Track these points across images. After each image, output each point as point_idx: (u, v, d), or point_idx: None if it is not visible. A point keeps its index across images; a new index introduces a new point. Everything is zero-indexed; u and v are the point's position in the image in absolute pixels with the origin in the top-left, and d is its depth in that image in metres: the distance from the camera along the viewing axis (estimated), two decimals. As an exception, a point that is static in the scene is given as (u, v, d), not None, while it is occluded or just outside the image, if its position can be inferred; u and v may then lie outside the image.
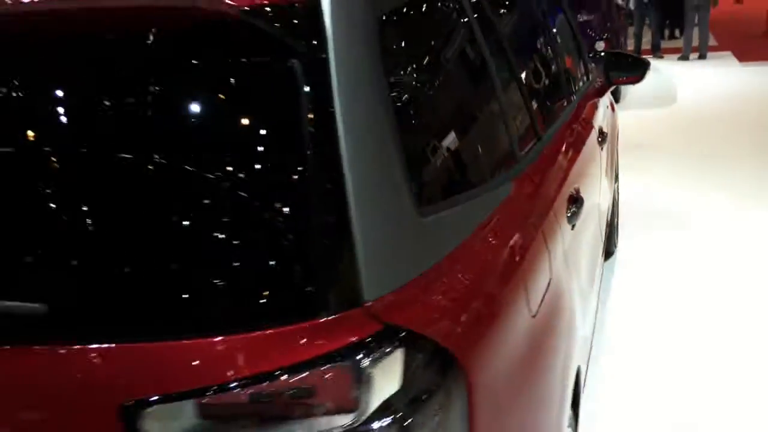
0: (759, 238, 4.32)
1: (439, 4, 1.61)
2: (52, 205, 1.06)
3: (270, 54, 1.07)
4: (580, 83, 3.06)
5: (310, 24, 1.09)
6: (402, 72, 1.32)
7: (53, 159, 1.07)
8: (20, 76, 1.11)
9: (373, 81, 1.16)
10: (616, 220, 4.26)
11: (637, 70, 3.28)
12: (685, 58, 11.12)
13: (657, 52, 11.41)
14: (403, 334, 1.04)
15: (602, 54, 3.60)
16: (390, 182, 1.13)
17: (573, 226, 1.90)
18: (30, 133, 1.09)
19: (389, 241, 1.10)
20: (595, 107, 3.05)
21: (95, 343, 0.98)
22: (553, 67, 2.55)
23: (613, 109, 3.98)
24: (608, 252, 4.10)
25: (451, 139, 1.46)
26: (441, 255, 1.19)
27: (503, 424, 1.22)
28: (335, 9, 1.11)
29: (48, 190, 1.06)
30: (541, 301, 1.47)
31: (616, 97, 8.44)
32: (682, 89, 9.12)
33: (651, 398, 2.81)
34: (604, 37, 7.88)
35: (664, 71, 10.41)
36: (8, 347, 1.00)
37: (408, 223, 1.15)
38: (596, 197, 2.59)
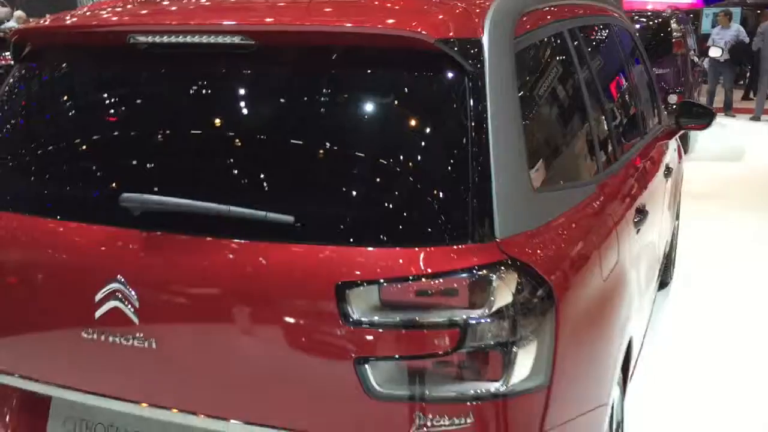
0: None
1: (553, 49, 2.14)
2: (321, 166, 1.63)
3: (450, 68, 1.60)
4: (655, 124, 3.54)
5: (475, 53, 1.62)
6: (527, 93, 1.84)
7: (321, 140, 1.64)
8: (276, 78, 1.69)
9: (510, 94, 1.68)
10: (674, 254, 4.66)
11: (704, 119, 3.73)
12: (756, 118, 11.38)
13: (728, 110, 11.69)
14: (518, 263, 1.54)
15: (675, 104, 4.05)
16: (517, 166, 1.64)
17: (638, 231, 2.38)
18: (292, 121, 1.66)
19: (514, 205, 1.60)
20: (664, 146, 3.51)
21: (327, 244, 1.51)
22: (632, 108, 3.04)
23: (680, 156, 4.40)
24: (664, 282, 4.51)
25: (556, 144, 1.98)
26: (546, 220, 1.69)
27: (576, 346, 1.70)
28: (491, 45, 1.65)
29: (314, 161, 1.63)
30: (610, 272, 1.96)
31: (685, 148, 8.80)
32: (749, 147, 9.40)
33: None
34: (678, 90, 8.27)
35: (733, 128, 10.70)
36: (267, 243, 1.54)
37: (527, 195, 1.66)
38: (658, 218, 3.05)
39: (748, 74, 13.14)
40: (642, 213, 2.45)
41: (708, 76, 11.92)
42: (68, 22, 1.92)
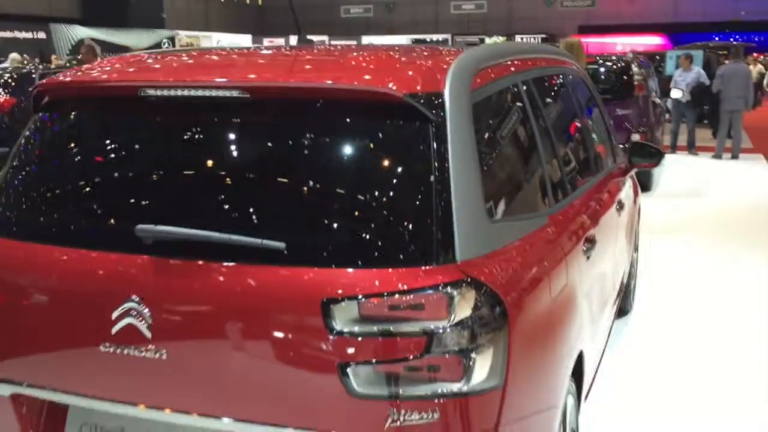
0: (752, 307, 5.01)
1: (506, 98, 2.45)
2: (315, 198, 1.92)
3: (416, 118, 1.90)
4: (609, 162, 3.87)
5: (438, 104, 1.92)
6: (483, 137, 2.14)
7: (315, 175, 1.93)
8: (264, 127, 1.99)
9: (468, 139, 1.97)
10: (633, 283, 4.98)
11: (654, 158, 4.09)
12: (717, 156, 11.88)
13: (692, 149, 12.19)
14: (476, 281, 1.82)
15: (628, 143, 4.41)
16: (474, 200, 1.93)
17: (587, 258, 2.68)
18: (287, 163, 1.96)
19: (472, 233, 1.89)
20: (618, 183, 3.84)
21: (314, 266, 1.78)
22: (583, 148, 3.37)
23: (635, 192, 4.72)
24: (624, 310, 4.82)
25: (509, 181, 2.29)
26: (500, 246, 1.98)
27: (527, 353, 1.97)
28: (451, 97, 1.95)
29: (311, 195, 1.92)
30: (560, 292, 2.25)
31: (648, 185, 9.22)
32: (710, 184, 9.84)
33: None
34: (640, 130, 8.71)
35: (695, 166, 11.18)
36: (261, 266, 1.81)
37: (483, 225, 1.94)
38: (611, 248, 3.36)
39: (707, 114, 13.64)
40: (591, 242, 2.75)
41: (671, 116, 12.45)
42: (85, 78, 2.21)
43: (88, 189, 2.15)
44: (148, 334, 1.85)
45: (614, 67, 9.41)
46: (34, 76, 13.62)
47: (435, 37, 34.80)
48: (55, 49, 29.33)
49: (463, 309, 1.78)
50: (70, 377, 1.98)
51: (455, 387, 1.76)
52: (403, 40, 34.25)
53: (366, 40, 34.40)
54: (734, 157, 11.86)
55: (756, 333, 4.61)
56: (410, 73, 2.01)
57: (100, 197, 2.12)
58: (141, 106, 2.07)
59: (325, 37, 34.41)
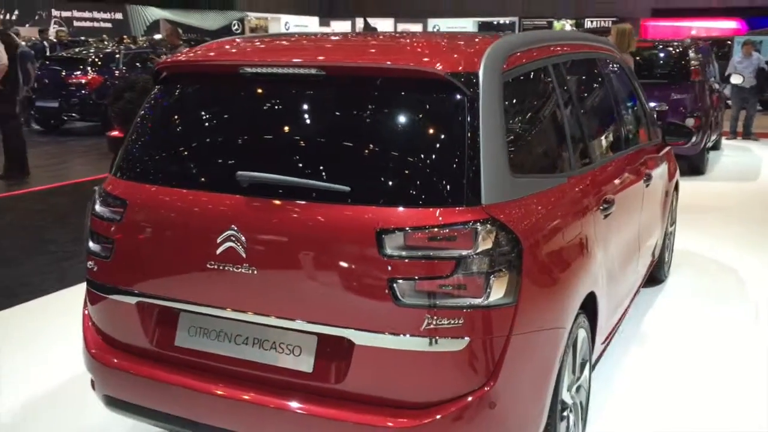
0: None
1: (534, 78, 2.94)
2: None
3: (455, 93, 2.41)
4: (641, 139, 4.29)
5: (473, 83, 2.42)
6: (510, 109, 2.63)
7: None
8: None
9: (497, 110, 2.47)
10: (668, 254, 5.36)
11: (684, 137, 4.50)
12: (777, 142, 11.94)
13: (750, 135, 12.25)
14: (497, 221, 2.32)
15: (666, 123, 4.81)
16: (499, 157, 2.43)
17: (605, 216, 3.14)
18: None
19: (495, 183, 2.39)
20: (650, 159, 4.25)
21: (371, 206, 2.32)
22: (611, 122, 3.82)
23: (673, 171, 5.08)
24: (659, 279, 5.22)
25: (532, 145, 2.79)
26: (519, 196, 2.48)
27: (538, 281, 2.46)
28: (484, 77, 2.45)
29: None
30: (572, 239, 2.74)
31: (702, 169, 9.46)
32: (766, 169, 9.98)
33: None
34: (695, 114, 8.95)
35: (753, 151, 11.29)
36: (331, 204, 2.35)
37: (505, 178, 2.45)
38: (636, 215, 3.80)
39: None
40: (609, 203, 3.21)
41: (732, 102, 12.51)
42: (197, 57, 2.81)
43: (199, 144, 2.74)
44: (244, 255, 2.42)
45: (672, 52, 9.64)
46: (117, 56, 14.63)
47: (502, 20, 34.87)
48: (130, 29, 30.67)
49: (486, 241, 2.29)
50: (183, 289, 2.57)
51: (477, 301, 2.28)
52: (469, 23, 34.46)
53: (432, 23, 34.76)
54: (794, 143, 11.90)
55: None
56: (453, 56, 2.52)
57: (209, 151, 2.71)
58: (240, 80, 2.65)
59: (391, 20, 34.92)
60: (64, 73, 13.77)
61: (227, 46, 2.92)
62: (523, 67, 2.80)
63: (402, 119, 2.49)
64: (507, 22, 34.58)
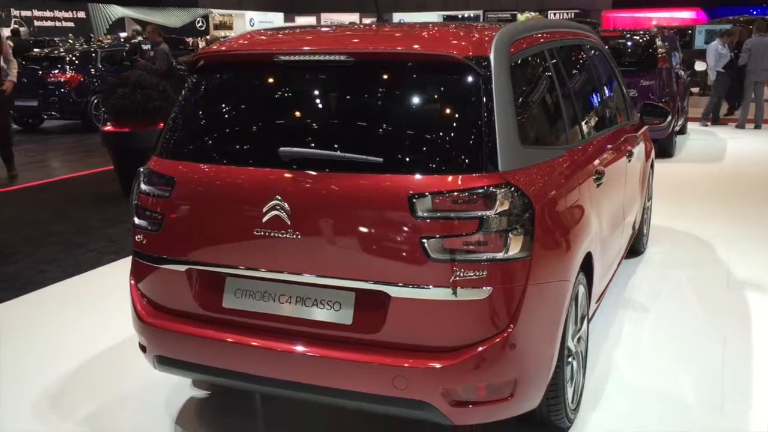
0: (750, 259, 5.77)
1: (536, 61, 3.28)
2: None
3: (471, 73, 2.73)
4: (622, 119, 4.67)
5: (485, 65, 2.75)
6: (518, 88, 2.96)
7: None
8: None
9: (507, 88, 2.80)
10: (646, 228, 5.76)
11: (661, 116, 4.89)
12: (741, 126, 12.50)
13: (717, 120, 12.81)
14: (512, 185, 2.66)
15: (643, 104, 5.19)
16: (511, 129, 2.76)
17: (597, 185, 3.50)
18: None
19: (510, 152, 2.72)
20: (630, 137, 4.63)
21: (402, 174, 2.63)
22: (598, 104, 4.18)
23: (649, 150, 5.48)
24: (638, 251, 5.61)
25: (536, 120, 3.14)
26: (529, 164, 2.82)
27: (547, 238, 2.79)
28: (495, 60, 2.78)
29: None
30: (573, 203, 3.09)
31: (670, 151, 9.93)
32: (731, 152, 10.50)
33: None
34: (663, 99, 9.41)
35: (718, 136, 11.82)
36: (367, 174, 2.66)
37: (517, 148, 2.78)
38: (621, 187, 4.18)
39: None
40: (601, 174, 3.57)
41: (713, 90, 12.97)
42: (232, 47, 3.10)
43: (243, 125, 3.05)
44: (288, 221, 2.71)
45: (639, 40, 10.09)
46: (93, 55, 14.71)
47: (466, 13, 35.35)
48: (93, 28, 30.45)
49: (503, 204, 2.62)
50: (230, 255, 2.86)
51: (498, 255, 2.61)
52: (433, 16, 34.86)
53: (396, 17, 35.10)
54: (757, 126, 12.46)
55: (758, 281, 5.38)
56: (467, 42, 2.84)
57: (252, 130, 3.02)
58: (278, 67, 2.95)
59: (356, 15, 35.17)
60: (41, 72, 13.82)
61: (261, 37, 3.22)
62: (526, 51, 3.14)
63: (425, 98, 2.82)
64: (471, 15, 35.06)
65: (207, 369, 2.93)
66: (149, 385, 3.62)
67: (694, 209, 7.21)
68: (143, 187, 3.05)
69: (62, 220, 7.04)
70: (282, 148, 2.73)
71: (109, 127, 7.91)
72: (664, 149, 9.73)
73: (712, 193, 8.02)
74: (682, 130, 11.70)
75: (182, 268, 2.94)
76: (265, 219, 2.74)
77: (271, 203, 2.74)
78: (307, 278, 2.75)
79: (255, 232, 2.77)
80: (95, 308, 4.74)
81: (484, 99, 2.71)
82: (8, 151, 9.34)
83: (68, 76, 13.67)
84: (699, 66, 12.23)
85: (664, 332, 4.27)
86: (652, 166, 5.74)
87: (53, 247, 6.12)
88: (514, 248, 2.63)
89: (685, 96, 11.32)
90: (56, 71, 13.81)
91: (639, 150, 4.94)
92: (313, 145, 2.77)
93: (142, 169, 3.10)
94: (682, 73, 11.41)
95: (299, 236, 2.72)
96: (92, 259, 5.73)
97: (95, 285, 5.24)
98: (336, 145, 2.75)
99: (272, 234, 2.75)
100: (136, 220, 3.06)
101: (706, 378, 3.68)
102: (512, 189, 2.65)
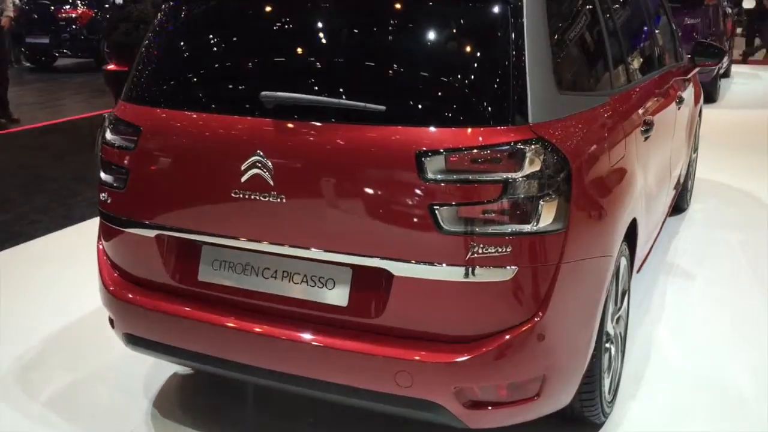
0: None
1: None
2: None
3: (499, 5, 2.19)
4: (672, 62, 4.09)
5: None
6: (554, 24, 2.42)
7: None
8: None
9: (541, 24, 2.26)
10: (690, 182, 5.21)
11: (716, 57, 4.28)
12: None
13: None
14: (545, 141, 2.15)
15: (696, 42, 4.58)
16: (545, 72, 2.24)
17: (645, 139, 2.97)
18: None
19: (542, 100, 2.20)
20: (679, 81, 4.06)
21: (410, 126, 2.14)
22: (646, 44, 3.60)
23: (698, 95, 4.90)
24: (681, 208, 5.08)
25: (576, 63, 2.58)
26: (566, 114, 2.30)
27: (587, 205, 2.30)
28: None
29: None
30: (617, 161, 2.56)
31: (714, 96, 9.23)
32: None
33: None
34: (708, 40, 8.65)
35: (763, 78, 11.04)
36: (366, 125, 2.17)
37: (552, 95, 2.26)
38: (669, 137, 3.63)
39: None
40: (649, 125, 3.03)
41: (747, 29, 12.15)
42: None
43: (219, 64, 2.54)
44: (271, 182, 2.24)
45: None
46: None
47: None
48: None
49: (533, 163, 2.12)
50: (205, 220, 2.40)
51: (526, 228, 2.11)
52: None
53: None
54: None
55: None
56: None
57: (229, 70, 2.50)
58: None
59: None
60: (53, 8, 13.31)
61: None
62: (563, -19, 2.58)
63: (441, 31, 2.28)
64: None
65: (181, 352, 2.51)
66: (131, 355, 3.22)
67: (740, 161, 6.61)
68: (108, 136, 2.59)
69: (61, 166, 6.64)
70: (264, 92, 2.23)
71: (112, 66, 7.42)
72: (708, 93, 9.00)
73: (760, 142, 7.38)
74: (726, 73, 10.93)
75: (151, 233, 2.49)
76: (244, 178, 2.27)
77: (251, 159, 2.26)
78: (294, 250, 2.29)
79: (233, 194, 2.31)
80: (83, 264, 4.34)
81: (513, 34, 2.18)
82: (3, 96, 8.82)
83: (79, 11, 13.14)
84: (747, 3, 11.35)
85: (713, 304, 3.77)
86: (699, 114, 5.16)
87: (47, 195, 5.73)
88: (546, 219, 2.14)
89: (733, 37, 10.53)
90: (67, 6, 13.28)
91: (689, 94, 4.36)
92: (301, 88, 2.26)
93: (107, 115, 2.63)
94: (729, 11, 10.59)
95: (284, 200, 2.25)
96: (85, 210, 5.33)
97: (86, 238, 4.83)
98: (329, 89, 2.24)
99: (252, 196, 2.28)
100: (102, 175, 2.61)
101: (764, 363, 3.19)
102: (545, 145, 2.14)
